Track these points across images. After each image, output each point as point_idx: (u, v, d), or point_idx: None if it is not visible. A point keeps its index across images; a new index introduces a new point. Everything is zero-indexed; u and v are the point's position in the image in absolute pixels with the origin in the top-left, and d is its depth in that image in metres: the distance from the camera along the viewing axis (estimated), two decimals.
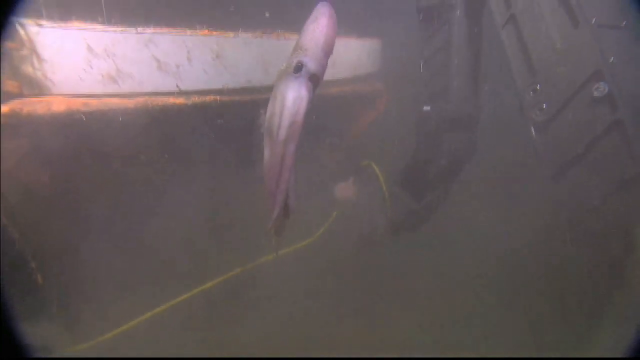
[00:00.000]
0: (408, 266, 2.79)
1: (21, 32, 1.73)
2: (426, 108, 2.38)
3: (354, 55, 3.42)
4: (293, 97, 1.50)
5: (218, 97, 2.42)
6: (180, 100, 2.27)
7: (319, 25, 1.58)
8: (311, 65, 1.52)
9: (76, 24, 1.93)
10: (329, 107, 2.78)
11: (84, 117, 1.84)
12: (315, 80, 1.56)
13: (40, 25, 1.78)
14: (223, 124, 2.48)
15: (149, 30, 2.16)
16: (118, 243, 2.22)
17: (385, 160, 2.73)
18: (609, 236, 1.75)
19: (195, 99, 2.33)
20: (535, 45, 1.90)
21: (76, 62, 1.93)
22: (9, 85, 1.73)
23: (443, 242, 2.78)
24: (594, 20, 1.70)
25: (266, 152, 1.58)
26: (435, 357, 2.35)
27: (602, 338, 1.75)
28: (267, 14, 2.56)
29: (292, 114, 1.49)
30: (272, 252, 2.34)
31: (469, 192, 2.75)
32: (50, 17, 1.89)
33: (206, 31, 2.39)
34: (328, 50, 1.59)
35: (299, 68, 1.52)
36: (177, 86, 2.28)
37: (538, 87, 1.91)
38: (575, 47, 1.75)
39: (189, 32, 2.32)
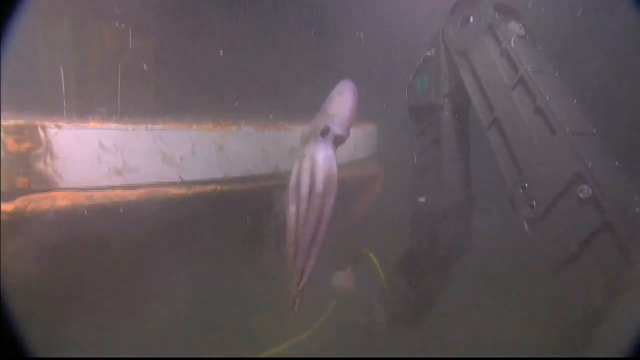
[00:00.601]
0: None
1: (41, 133, 1.86)
2: (421, 199, 2.45)
3: (351, 141, 3.62)
4: (323, 156, 1.72)
5: (218, 187, 2.51)
6: (181, 190, 2.35)
7: (345, 97, 1.88)
8: (337, 130, 1.78)
9: (92, 124, 2.08)
10: None
11: (86, 210, 1.89)
12: (338, 143, 1.82)
13: (59, 127, 1.91)
14: (223, 212, 2.53)
15: (158, 127, 2.32)
16: (114, 337, 2.13)
17: (383, 248, 2.72)
18: (617, 340, 1.67)
19: (197, 189, 2.41)
20: (519, 146, 2.03)
21: (86, 158, 2.04)
22: (19, 182, 1.80)
23: (443, 335, 2.65)
24: (568, 129, 1.84)
25: (293, 209, 1.71)
26: (435, 357, 2.30)
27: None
28: (270, 117, 2.77)
29: (325, 169, 1.69)
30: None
31: (468, 285, 2.69)
32: (69, 119, 2.06)
33: (211, 125, 2.57)
34: (352, 119, 1.87)
35: (325, 132, 1.77)
36: (179, 177, 2.38)
37: (526, 185, 1.99)
38: (555, 151, 1.87)
39: (194, 126, 2.50)
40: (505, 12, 2.30)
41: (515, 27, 2.23)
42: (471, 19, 2.28)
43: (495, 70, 2.16)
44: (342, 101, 1.86)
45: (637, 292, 1.62)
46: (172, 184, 2.35)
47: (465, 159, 2.49)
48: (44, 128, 1.86)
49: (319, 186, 1.65)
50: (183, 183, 2.39)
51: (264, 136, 2.80)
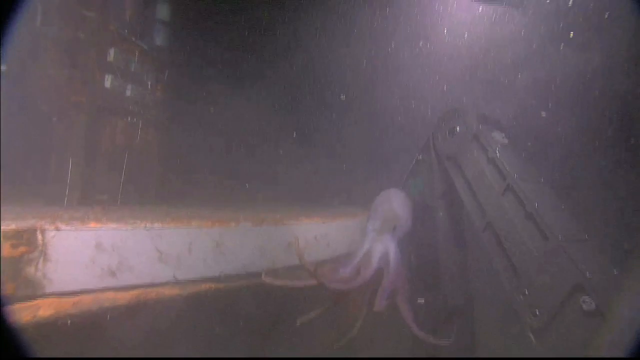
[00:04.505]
0: None
1: (39, 237, 1.84)
2: (420, 300, 2.38)
3: (347, 235, 3.63)
4: (393, 247, 2.32)
5: (213, 285, 2.43)
6: (175, 291, 2.27)
7: (405, 201, 2.56)
8: (404, 228, 2.46)
9: (92, 224, 2.09)
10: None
11: (69, 321, 1.79)
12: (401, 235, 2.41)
13: (58, 230, 1.90)
14: (218, 311, 2.42)
15: (157, 225, 2.32)
16: None
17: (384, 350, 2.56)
18: None
19: (191, 288, 2.33)
20: (514, 251, 2.05)
21: (80, 260, 1.99)
22: (3, 288, 1.73)
23: None
24: (560, 236, 1.89)
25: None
26: (436, 357, 2.36)
27: None
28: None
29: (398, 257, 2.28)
30: None
31: None
32: (70, 221, 2.06)
33: (209, 222, 2.59)
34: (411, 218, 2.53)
35: (395, 229, 2.39)
36: (174, 276, 2.32)
37: (526, 292, 1.97)
38: (551, 258, 1.89)
39: (193, 223, 2.51)
40: (489, 122, 2.52)
41: (498, 136, 2.42)
42: (457, 129, 2.48)
43: (484, 176, 2.28)
44: (404, 205, 2.52)
45: None
46: (166, 284, 2.28)
47: (463, 260, 2.49)
48: (42, 231, 1.85)
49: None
50: (178, 282, 2.32)
51: (262, 232, 2.80)
